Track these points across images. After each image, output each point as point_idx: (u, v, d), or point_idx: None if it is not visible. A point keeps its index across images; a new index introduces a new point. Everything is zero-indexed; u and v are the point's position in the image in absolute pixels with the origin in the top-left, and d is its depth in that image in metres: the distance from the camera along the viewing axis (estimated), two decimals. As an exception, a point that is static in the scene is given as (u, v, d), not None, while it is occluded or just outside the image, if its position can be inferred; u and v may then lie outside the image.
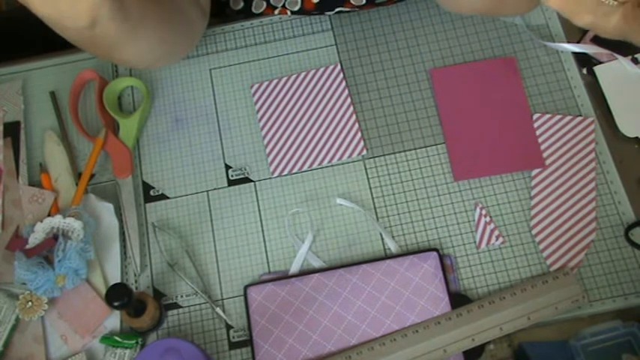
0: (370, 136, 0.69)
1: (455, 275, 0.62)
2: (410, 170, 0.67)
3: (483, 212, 0.64)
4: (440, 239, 0.64)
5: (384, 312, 0.61)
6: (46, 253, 0.61)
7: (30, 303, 0.61)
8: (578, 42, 0.72)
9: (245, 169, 0.69)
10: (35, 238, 0.62)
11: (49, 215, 0.66)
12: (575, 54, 0.71)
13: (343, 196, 0.67)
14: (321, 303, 0.61)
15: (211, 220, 0.67)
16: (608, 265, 0.62)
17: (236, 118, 0.71)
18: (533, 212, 0.64)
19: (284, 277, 0.63)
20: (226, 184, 0.68)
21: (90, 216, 0.64)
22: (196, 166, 0.69)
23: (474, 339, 0.58)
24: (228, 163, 0.69)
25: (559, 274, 0.61)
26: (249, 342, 0.61)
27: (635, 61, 0.70)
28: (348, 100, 0.70)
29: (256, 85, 0.72)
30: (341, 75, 0.72)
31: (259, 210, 0.67)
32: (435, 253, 0.62)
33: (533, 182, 0.65)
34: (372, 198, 0.66)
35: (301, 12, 0.73)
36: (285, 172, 0.68)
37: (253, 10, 0.76)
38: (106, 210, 0.66)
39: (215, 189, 0.68)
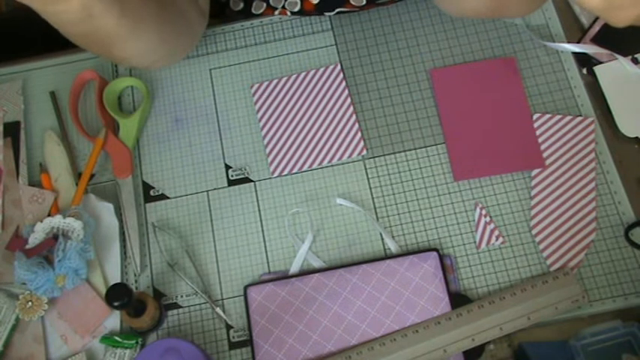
0: (370, 136, 0.69)
1: (455, 275, 0.62)
2: (410, 170, 0.67)
3: (483, 212, 0.64)
4: (440, 239, 0.64)
5: (384, 312, 0.60)
6: (46, 253, 0.61)
7: (30, 303, 0.61)
8: (578, 42, 0.72)
9: (245, 169, 0.69)
10: (35, 238, 0.62)
11: (49, 215, 0.66)
12: (575, 54, 0.71)
13: (343, 196, 0.67)
14: (321, 303, 0.61)
15: (211, 220, 0.67)
16: (608, 265, 0.62)
17: (236, 118, 0.71)
18: (533, 212, 0.64)
19: (284, 277, 0.63)
20: (226, 184, 0.68)
21: (90, 216, 0.64)
22: (196, 166, 0.69)
23: (474, 339, 0.58)
24: (228, 163, 0.69)
25: (559, 274, 0.61)
26: (249, 342, 0.61)
27: (635, 61, 0.70)
28: (348, 100, 0.70)
29: (256, 85, 0.72)
30: (341, 75, 0.72)
31: (259, 210, 0.67)
32: (434, 253, 0.62)
33: (533, 182, 0.65)
34: (372, 198, 0.66)
35: (301, 13, 0.73)
36: (285, 172, 0.68)
37: (253, 11, 0.76)
38: (106, 210, 0.66)
39: (215, 189, 0.68)
